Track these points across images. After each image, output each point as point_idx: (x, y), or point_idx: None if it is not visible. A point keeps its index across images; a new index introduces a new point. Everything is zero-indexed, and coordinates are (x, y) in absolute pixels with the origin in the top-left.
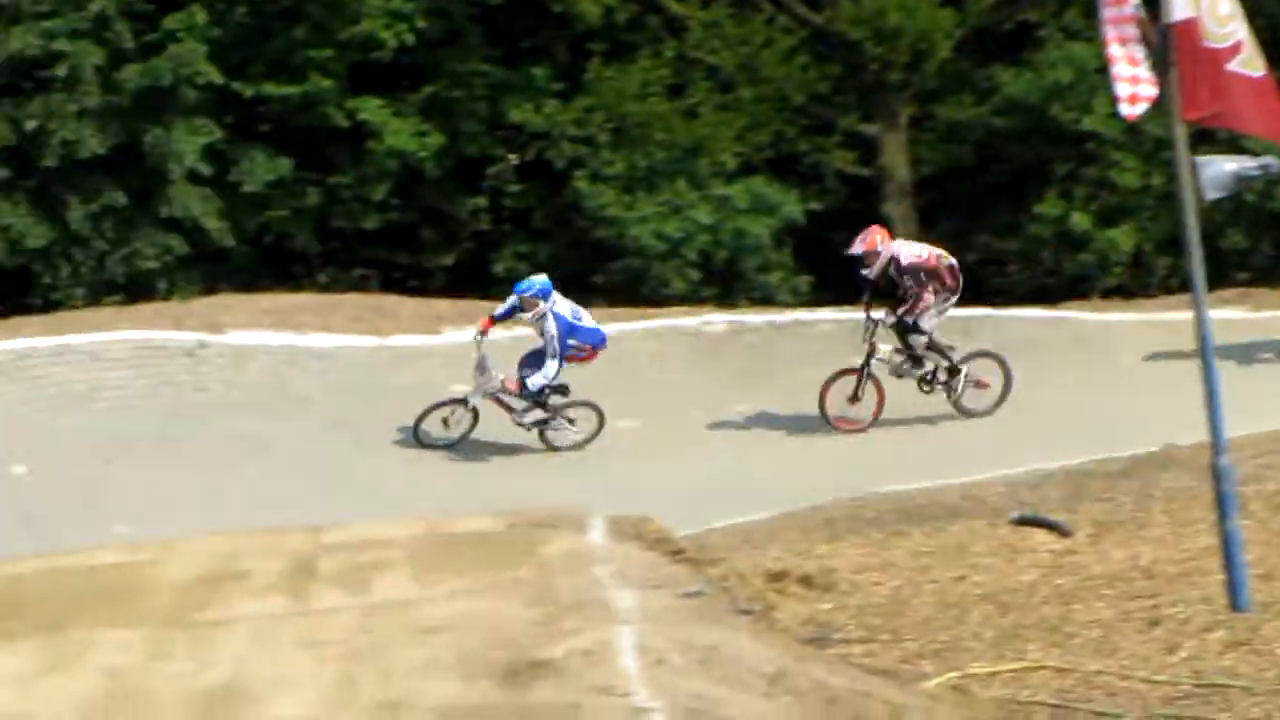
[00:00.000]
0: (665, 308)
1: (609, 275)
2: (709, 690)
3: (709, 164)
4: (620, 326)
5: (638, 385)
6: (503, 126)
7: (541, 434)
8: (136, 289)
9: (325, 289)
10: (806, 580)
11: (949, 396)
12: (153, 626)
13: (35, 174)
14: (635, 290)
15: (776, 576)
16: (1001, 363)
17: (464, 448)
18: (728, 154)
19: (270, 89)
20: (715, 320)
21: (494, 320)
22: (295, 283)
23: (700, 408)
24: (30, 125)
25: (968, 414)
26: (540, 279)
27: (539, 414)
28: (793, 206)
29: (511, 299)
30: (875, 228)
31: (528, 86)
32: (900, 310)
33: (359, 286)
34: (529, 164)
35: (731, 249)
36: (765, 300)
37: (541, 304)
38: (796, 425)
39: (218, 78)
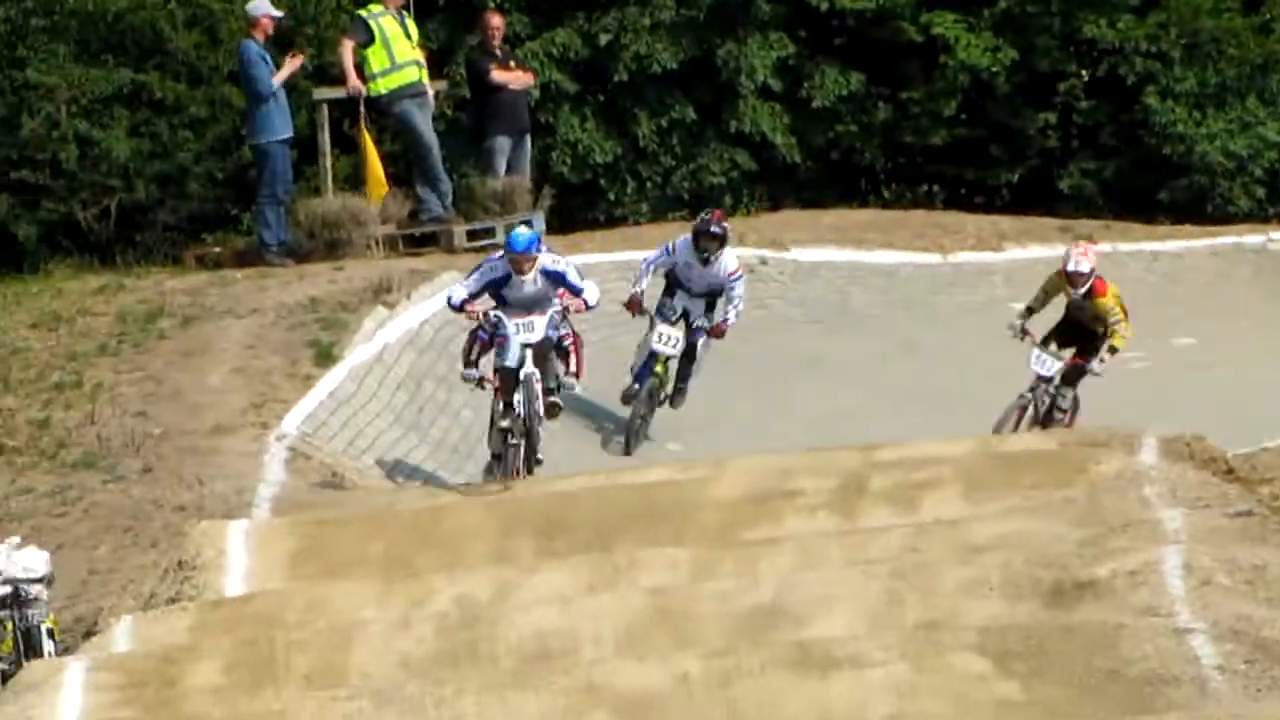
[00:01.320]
0: (1230, 225)
1: (1174, 192)
2: (1254, 611)
3: None
4: (1184, 244)
5: (1198, 302)
6: (1075, 42)
7: None
8: (701, 204)
9: (889, 205)
10: None
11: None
12: (699, 546)
13: (605, 89)
14: (1200, 208)
15: None
16: None
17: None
18: None
19: (845, 3)
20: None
21: None
22: (860, 199)
23: (1262, 326)
24: (603, 39)
25: None
26: None
27: None
28: None
29: None
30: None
31: (1103, 2)
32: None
33: (923, 203)
34: (1099, 80)
35: None
36: None
37: None
38: None
39: None
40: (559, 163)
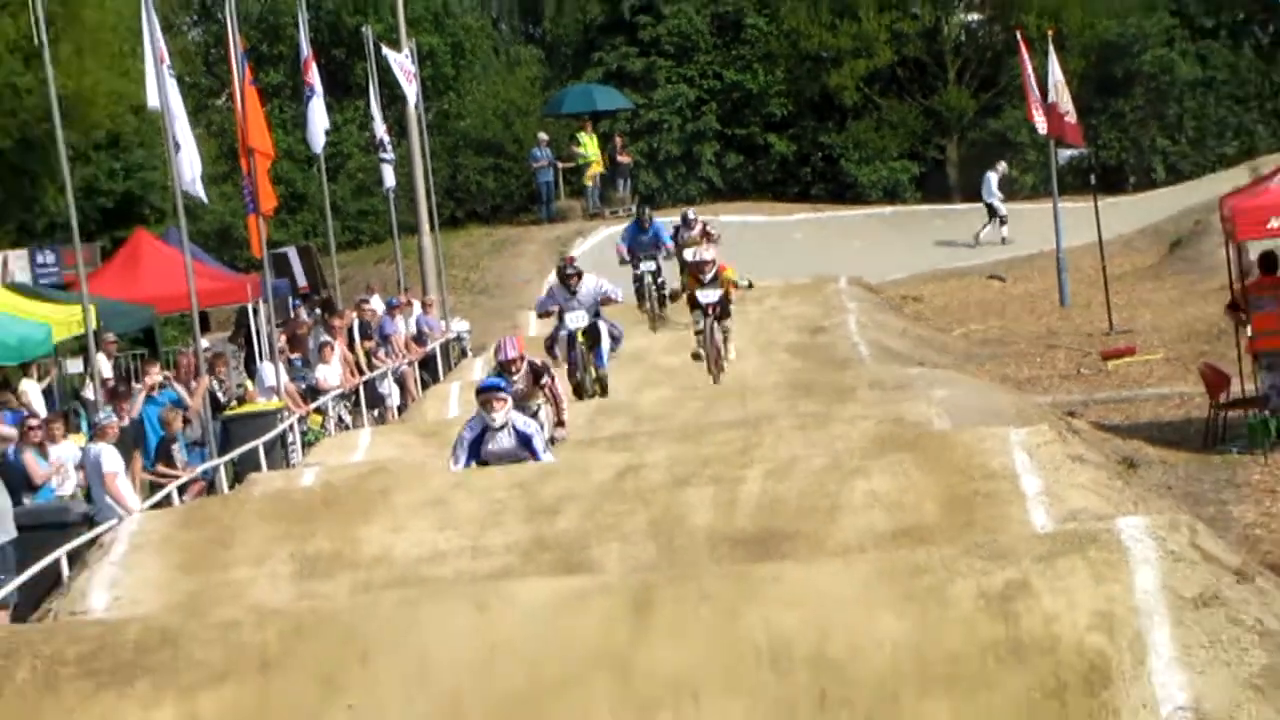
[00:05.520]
0: (876, 205)
1: (855, 193)
2: (880, 336)
3: (886, 154)
4: (859, 213)
5: (863, 234)
6: (816, 142)
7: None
8: (692, 204)
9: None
10: (915, 298)
11: None
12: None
13: (655, 161)
14: (864, 199)
15: (905, 296)
16: None
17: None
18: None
19: (736, 130)
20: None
21: None
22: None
23: (883, 243)
24: (651, 147)
25: None
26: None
27: None
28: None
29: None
30: None
31: (830, 129)
32: None
33: (767, 200)
34: (826, 155)
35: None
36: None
37: None
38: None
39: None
40: (639, 187)
